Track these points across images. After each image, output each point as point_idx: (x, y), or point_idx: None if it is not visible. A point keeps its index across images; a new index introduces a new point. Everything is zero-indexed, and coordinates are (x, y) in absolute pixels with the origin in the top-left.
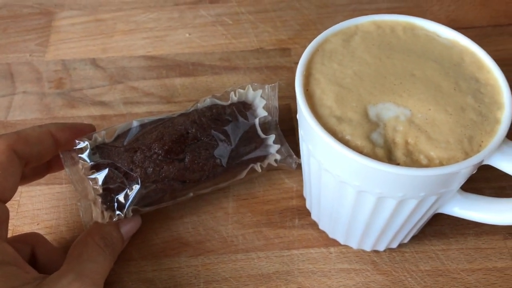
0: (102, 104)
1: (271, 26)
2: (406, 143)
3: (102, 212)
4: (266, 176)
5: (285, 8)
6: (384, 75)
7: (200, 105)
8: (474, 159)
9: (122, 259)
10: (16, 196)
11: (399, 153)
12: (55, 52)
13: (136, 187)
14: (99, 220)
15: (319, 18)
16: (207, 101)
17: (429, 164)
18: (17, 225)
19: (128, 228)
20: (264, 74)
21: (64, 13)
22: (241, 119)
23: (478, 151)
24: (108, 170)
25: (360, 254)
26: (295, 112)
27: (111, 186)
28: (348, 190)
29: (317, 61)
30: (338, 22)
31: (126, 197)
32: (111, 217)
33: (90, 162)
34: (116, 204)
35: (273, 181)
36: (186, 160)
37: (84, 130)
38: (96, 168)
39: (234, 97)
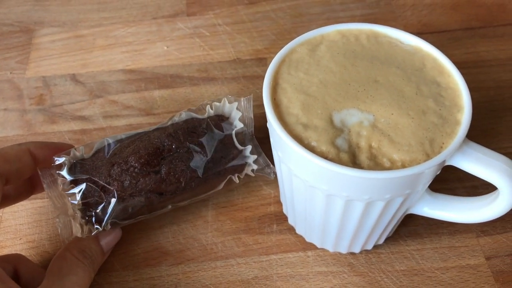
0: (82, 118)
1: (248, 37)
2: (370, 147)
3: (82, 226)
4: (244, 184)
5: (261, 19)
6: (348, 82)
7: (176, 119)
8: (435, 160)
9: (104, 270)
10: None
11: (363, 157)
12: (35, 69)
13: (113, 200)
14: (79, 235)
15: (294, 28)
16: (183, 115)
17: (392, 166)
18: (0, 241)
19: (108, 240)
20: (241, 84)
21: (44, 30)
22: (216, 131)
23: (439, 153)
24: (86, 185)
25: (336, 256)
26: None
27: (90, 201)
28: (318, 194)
29: (284, 71)
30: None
31: (104, 210)
32: (90, 231)
33: (68, 178)
34: (94, 218)
35: (252, 188)
36: (162, 172)
37: (62, 149)
38: (75, 183)
39: (210, 110)
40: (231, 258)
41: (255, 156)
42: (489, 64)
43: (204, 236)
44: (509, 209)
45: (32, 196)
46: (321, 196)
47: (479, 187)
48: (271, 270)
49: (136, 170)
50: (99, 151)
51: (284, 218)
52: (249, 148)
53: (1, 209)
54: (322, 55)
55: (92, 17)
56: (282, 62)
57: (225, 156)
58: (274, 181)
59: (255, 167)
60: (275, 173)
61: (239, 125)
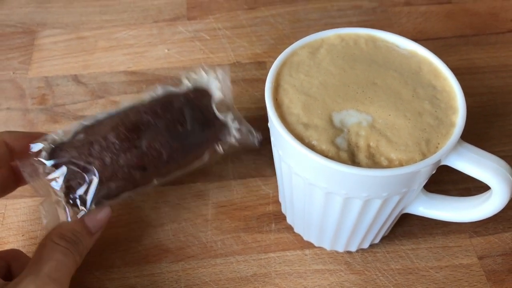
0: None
1: (247, 41)
2: (368, 146)
3: (66, 211)
4: (243, 184)
5: (260, 24)
6: (348, 84)
7: (153, 94)
8: (431, 160)
9: (105, 266)
10: (1, 209)
11: (361, 156)
12: (38, 69)
13: (95, 180)
14: (65, 219)
15: (293, 33)
16: (159, 89)
17: (389, 165)
18: (2, 237)
19: (94, 220)
20: (240, 87)
21: (46, 31)
22: (195, 101)
23: (435, 152)
24: (67, 168)
25: (333, 255)
26: None
27: (72, 183)
28: (317, 192)
29: (286, 72)
30: None
31: (87, 191)
32: (75, 214)
33: (48, 163)
34: (79, 200)
35: (250, 188)
36: (143, 146)
37: (40, 137)
38: (56, 167)
39: (187, 82)
40: (231, 256)
41: (236, 124)
42: (482, 71)
43: (204, 234)
44: (502, 208)
45: (34, 193)
46: (320, 194)
47: (472, 189)
48: (270, 268)
49: (116, 146)
50: (78, 132)
51: (283, 218)
52: (229, 116)
53: (4, 206)
54: (322, 58)
55: (94, 19)
56: (283, 64)
57: (206, 125)
58: (272, 182)
59: (237, 135)
60: (259, 140)
61: (217, 94)
